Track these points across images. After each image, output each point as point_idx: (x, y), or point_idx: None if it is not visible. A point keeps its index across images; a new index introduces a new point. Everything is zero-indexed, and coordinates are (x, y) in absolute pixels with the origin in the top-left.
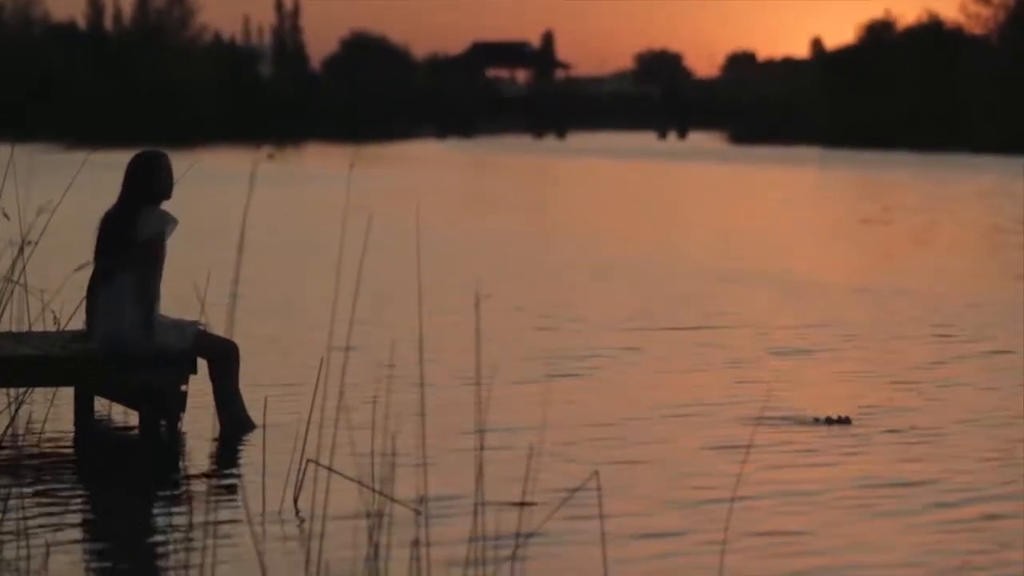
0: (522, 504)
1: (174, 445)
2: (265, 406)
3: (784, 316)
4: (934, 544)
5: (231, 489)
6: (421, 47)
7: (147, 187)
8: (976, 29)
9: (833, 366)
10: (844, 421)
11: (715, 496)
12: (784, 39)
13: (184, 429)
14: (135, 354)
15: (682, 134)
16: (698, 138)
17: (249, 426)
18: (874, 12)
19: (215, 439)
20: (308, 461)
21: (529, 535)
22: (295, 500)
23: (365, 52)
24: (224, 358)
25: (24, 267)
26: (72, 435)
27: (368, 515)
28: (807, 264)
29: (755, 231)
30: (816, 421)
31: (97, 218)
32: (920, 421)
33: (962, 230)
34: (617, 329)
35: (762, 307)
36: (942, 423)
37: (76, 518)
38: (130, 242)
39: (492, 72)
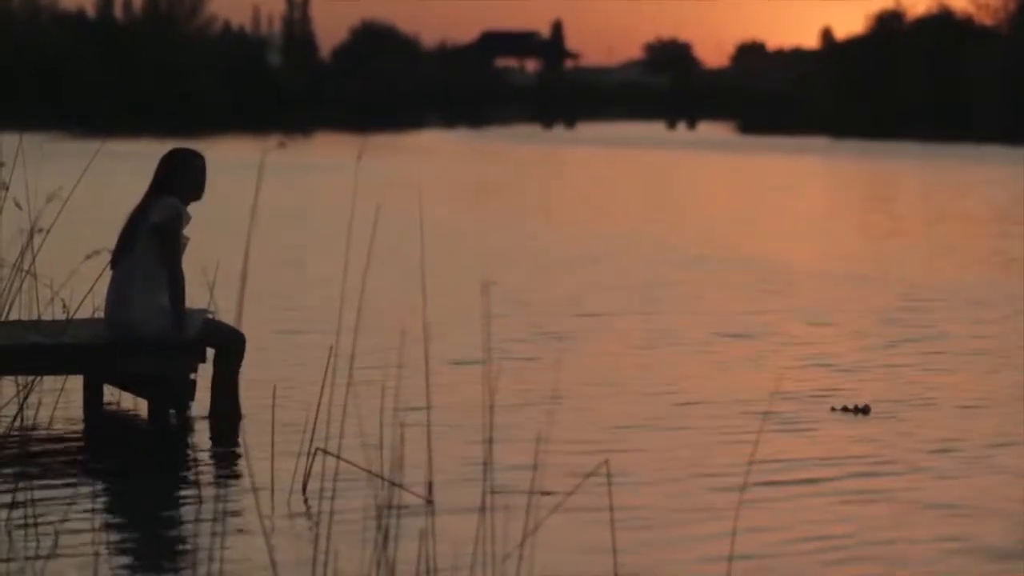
0: (531, 492)
1: (183, 433)
2: (274, 394)
3: (778, 302)
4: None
5: (240, 477)
6: (430, 37)
7: (161, 181)
8: (986, 20)
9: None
10: (863, 411)
11: (725, 483)
12: (793, 29)
13: (193, 417)
14: (151, 341)
15: (691, 124)
16: (707, 128)
17: (236, 419)
18: (884, 2)
19: (224, 427)
20: (317, 449)
21: (539, 523)
22: (304, 488)
23: (374, 42)
24: (229, 348)
25: (34, 256)
26: (81, 423)
27: (377, 503)
28: (789, 251)
29: (749, 219)
30: (833, 410)
31: (106, 206)
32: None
33: (952, 219)
34: (618, 314)
35: (748, 293)
36: (904, 407)
37: (85, 504)
38: (141, 230)
39: (501, 62)
